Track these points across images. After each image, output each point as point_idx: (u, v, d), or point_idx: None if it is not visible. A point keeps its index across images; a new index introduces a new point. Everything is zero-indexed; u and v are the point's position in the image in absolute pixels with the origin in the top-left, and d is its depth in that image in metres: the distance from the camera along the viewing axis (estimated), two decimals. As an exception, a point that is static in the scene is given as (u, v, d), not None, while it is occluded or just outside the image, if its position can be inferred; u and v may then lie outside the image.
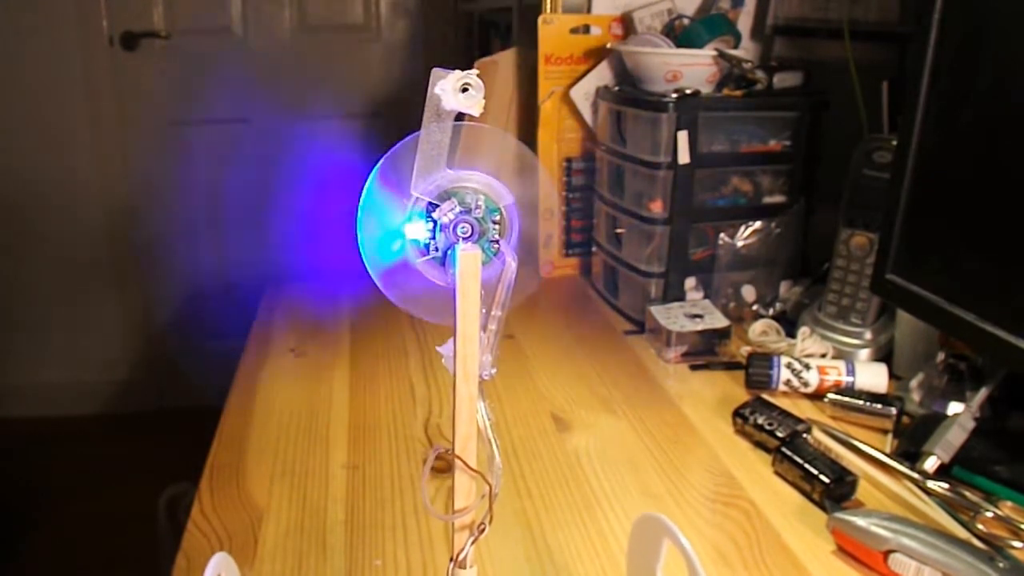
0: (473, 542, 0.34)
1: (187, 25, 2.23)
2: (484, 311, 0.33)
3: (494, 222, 0.33)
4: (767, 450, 0.69)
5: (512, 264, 0.33)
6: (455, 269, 0.32)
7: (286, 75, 2.30)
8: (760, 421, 0.71)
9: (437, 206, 0.33)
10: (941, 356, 0.74)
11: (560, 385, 0.83)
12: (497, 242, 0.34)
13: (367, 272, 0.34)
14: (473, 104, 0.32)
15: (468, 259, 0.32)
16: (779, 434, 0.69)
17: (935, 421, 0.68)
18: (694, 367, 0.87)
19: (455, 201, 0.33)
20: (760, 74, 0.94)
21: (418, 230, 0.33)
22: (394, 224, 0.33)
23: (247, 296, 1.18)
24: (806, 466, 0.63)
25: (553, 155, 1.12)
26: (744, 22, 1.12)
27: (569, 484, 0.66)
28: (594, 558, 0.57)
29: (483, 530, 0.34)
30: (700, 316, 0.89)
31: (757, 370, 0.79)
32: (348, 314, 1.02)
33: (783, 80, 0.95)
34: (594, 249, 1.10)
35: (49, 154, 2.25)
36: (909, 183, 0.70)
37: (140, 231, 2.35)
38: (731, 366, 0.86)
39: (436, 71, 0.32)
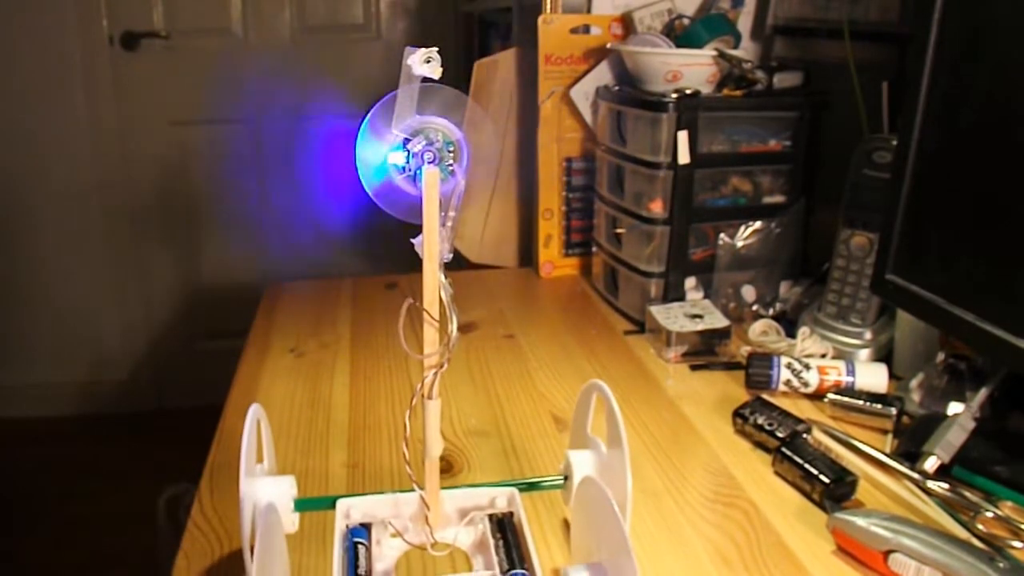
0: (436, 376, 0.49)
1: (187, 25, 2.23)
2: (443, 213, 0.47)
3: (449, 151, 0.47)
4: (767, 450, 0.69)
5: (462, 181, 0.47)
6: (422, 183, 0.46)
7: (286, 75, 2.29)
8: (760, 421, 0.71)
9: (410, 140, 0.46)
10: (941, 356, 0.74)
11: (560, 385, 0.83)
12: (452, 165, 0.47)
13: (364, 191, 0.47)
14: (433, 71, 0.44)
15: (431, 176, 0.46)
16: (779, 434, 0.69)
17: (935, 421, 0.67)
18: (694, 367, 0.87)
19: (422, 136, 0.47)
20: (760, 74, 0.94)
21: (397, 157, 0.47)
22: (381, 153, 0.47)
23: (247, 296, 1.18)
24: (806, 466, 0.63)
25: (553, 155, 1.12)
26: (744, 22, 1.12)
27: (569, 484, 0.66)
28: (594, 558, 0.57)
29: (443, 367, 0.48)
30: (700, 316, 0.89)
31: (757, 370, 0.79)
32: (348, 314, 1.02)
33: (783, 80, 0.95)
34: (594, 249, 1.10)
35: (48, 154, 2.25)
36: (909, 183, 0.70)
37: (139, 231, 2.36)
38: (731, 366, 0.86)
39: (408, 48, 0.44)
